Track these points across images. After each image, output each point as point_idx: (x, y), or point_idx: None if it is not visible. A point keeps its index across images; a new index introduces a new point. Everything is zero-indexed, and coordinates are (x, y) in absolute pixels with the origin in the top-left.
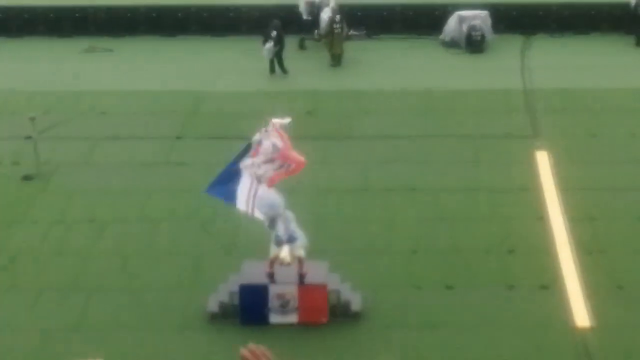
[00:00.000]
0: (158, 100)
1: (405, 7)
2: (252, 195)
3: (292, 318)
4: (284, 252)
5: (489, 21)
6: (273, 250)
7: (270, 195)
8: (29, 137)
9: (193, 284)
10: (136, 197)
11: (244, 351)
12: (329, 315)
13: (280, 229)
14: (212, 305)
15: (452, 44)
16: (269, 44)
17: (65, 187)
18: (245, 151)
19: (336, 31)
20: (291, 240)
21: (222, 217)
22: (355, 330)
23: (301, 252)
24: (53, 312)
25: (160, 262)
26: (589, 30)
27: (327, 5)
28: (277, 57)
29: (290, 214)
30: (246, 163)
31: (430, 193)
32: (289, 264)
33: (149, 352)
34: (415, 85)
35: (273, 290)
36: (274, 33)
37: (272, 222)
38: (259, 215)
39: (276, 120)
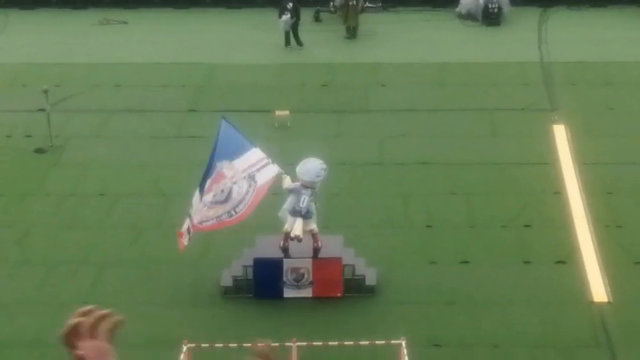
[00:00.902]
0: (172, 73)
1: None
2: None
3: (307, 292)
4: (298, 229)
5: None
6: (287, 218)
7: (316, 163)
8: (41, 110)
9: (206, 258)
10: (149, 171)
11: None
12: (344, 289)
13: (305, 201)
14: (226, 280)
15: (468, 17)
16: (286, 16)
17: (77, 160)
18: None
19: (351, 3)
20: (308, 216)
21: None
22: (369, 304)
23: (314, 226)
24: (65, 286)
25: (173, 236)
26: (607, 3)
27: None
28: (293, 29)
29: (316, 191)
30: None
31: (445, 167)
32: (300, 240)
33: (162, 327)
34: (431, 58)
35: (287, 264)
36: (290, 5)
37: (299, 189)
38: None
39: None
